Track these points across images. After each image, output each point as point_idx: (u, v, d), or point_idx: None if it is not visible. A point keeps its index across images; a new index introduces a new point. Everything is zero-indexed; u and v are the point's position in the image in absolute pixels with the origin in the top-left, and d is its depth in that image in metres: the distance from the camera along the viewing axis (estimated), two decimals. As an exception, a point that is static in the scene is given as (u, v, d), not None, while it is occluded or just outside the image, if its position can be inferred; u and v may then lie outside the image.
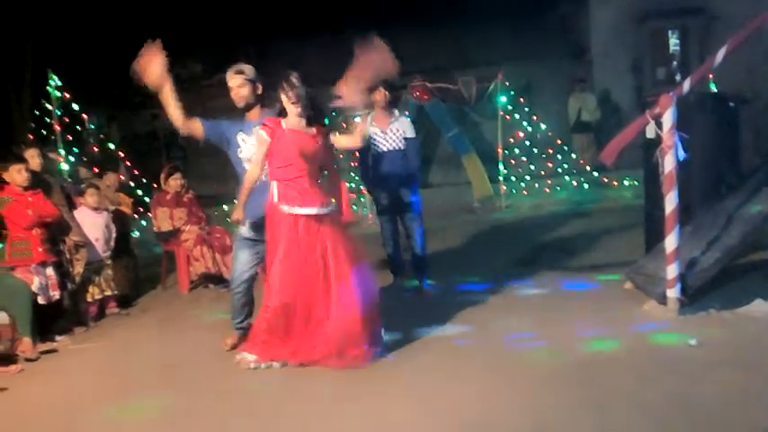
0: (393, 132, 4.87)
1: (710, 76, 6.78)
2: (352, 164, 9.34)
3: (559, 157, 10.45)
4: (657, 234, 4.25)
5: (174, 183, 5.95)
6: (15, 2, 9.96)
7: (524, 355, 3.53)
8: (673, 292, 3.89)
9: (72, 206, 5.15)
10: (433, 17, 11.87)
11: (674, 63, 11.17)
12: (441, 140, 10.37)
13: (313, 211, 3.56)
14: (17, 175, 4.46)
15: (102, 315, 5.20)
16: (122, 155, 9.15)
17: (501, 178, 9.42)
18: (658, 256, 4.12)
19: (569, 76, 11.05)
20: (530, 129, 10.26)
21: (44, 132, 8.14)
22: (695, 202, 4.52)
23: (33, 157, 4.84)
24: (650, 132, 4.06)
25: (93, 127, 10.49)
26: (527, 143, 10.33)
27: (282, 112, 3.62)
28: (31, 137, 8.83)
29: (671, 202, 3.87)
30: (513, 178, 9.97)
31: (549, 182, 9.97)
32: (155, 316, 5.24)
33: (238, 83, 3.83)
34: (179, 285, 5.95)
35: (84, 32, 10.85)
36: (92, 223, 5.14)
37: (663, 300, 3.95)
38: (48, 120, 7.69)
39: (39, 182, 4.71)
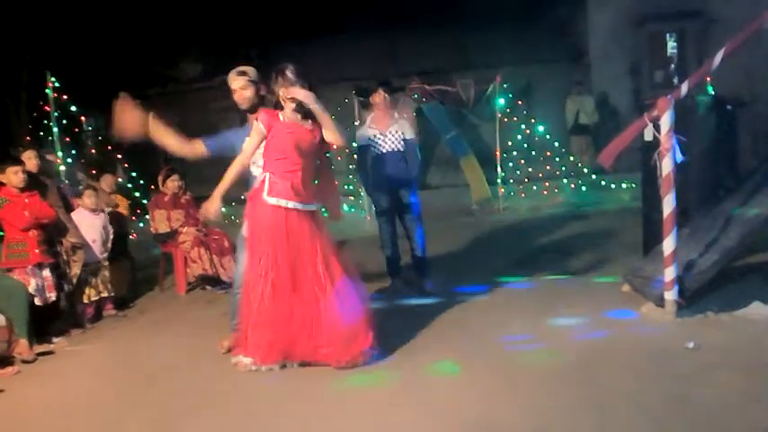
0: (392, 134, 4.88)
1: (708, 78, 6.79)
2: (350, 166, 9.40)
3: (557, 159, 10.48)
4: (655, 236, 4.25)
5: (172, 184, 5.94)
6: (13, 3, 9.95)
7: (523, 357, 3.53)
8: (670, 295, 3.89)
9: (69, 208, 5.14)
10: (433, 19, 11.90)
11: (672, 66, 11.22)
12: (439, 142, 10.39)
13: (299, 206, 3.53)
14: (14, 176, 4.45)
15: (98, 317, 5.19)
16: (120, 156, 9.15)
17: (499, 180, 9.43)
18: (656, 258, 4.13)
19: (567, 78, 11.08)
20: (528, 131, 10.29)
21: (41, 134, 8.14)
22: (693, 205, 4.53)
23: (30, 159, 4.84)
24: (648, 135, 4.06)
25: (90, 129, 10.49)
26: (525, 145, 10.36)
27: (278, 106, 3.61)
28: (29, 138, 8.83)
29: (669, 204, 3.88)
30: (512, 180, 9.99)
31: (548, 184, 10.00)
32: (152, 317, 5.22)
33: (241, 84, 3.82)
34: (176, 287, 5.94)
35: (83, 34, 10.85)
36: (89, 225, 5.14)
37: (660, 302, 3.95)
38: (45, 121, 7.68)
39: (36, 183, 4.71)
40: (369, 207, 8.61)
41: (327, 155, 4.06)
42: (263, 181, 3.54)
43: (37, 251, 4.46)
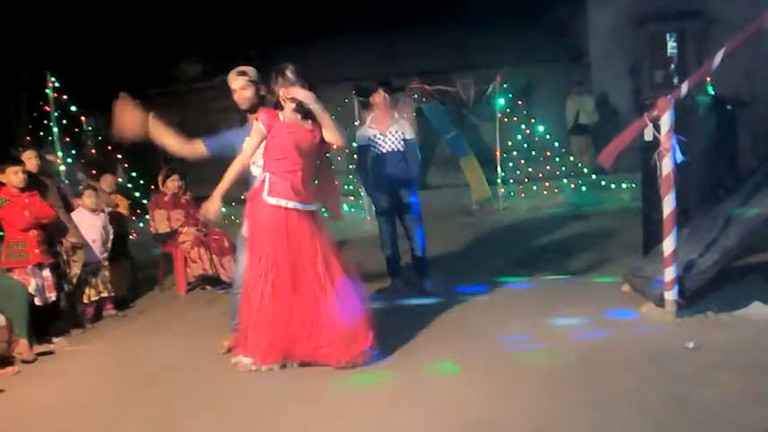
0: (392, 134, 4.88)
1: (708, 79, 6.80)
2: (351, 166, 9.40)
3: (557, 159, 10.49)
4: (655, 236, 4.25)
5: (172, 184, 5.95)
6: (13, 3, 9.95)
7: (523, 357, 3.53)
8: (670, 295, 3.89)
9: (69, 208, 5.14)
10: (433, 19, 11.90)
11: (672, 66, 11.22)
12: (439, 142, 10.39)
13: (299, 206, 3.53)
14: (13, 176, 4.45)
15: (98, 317, 5.19)
16: (120, 156, 9.15)
17: (499, 180, 9.43)
18: (656, 258, 4.13)
19: (567, 78, 11.08)
20: (528, 131, 10.29)
21: (41, 134, 8.14)
22: (693, 205, 4.53)
23: (30, 159, 4.84)
24: (648, 135, 4.06)
25: (90, 129, 10.49)
26: (525, 145, 10.36)
27: (278, 106, 3.61)
28: (29, 138, 8.83)
29: (669, 204, 3.88)
30: (512, 180, 9.98)
31: (547, 184, 10.00)
32: (152, 317, 5.22)
33: (241, 84, 3.81)
34: (176, 287, 5.94)
35: (83, 33, 10.85)
36: (89, 225, 5.14)
37: (660, 302, 3.95)
38: (45, 121, 7.68)
39: (36, 183, 4.71)
40: (369, 207, 8.61)
41: (327, 155, 4.05)
42: (263, 181, 3.54)
43: (37, 251, 4.46)
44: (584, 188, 9.83)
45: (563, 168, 10.37)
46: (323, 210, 3.91)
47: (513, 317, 4.21)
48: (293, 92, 3.52)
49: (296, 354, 3.55)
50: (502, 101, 9.36)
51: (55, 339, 4.58)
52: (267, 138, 3.56)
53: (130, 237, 6.68)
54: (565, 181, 10.07)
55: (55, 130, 7.36)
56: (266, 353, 3.54)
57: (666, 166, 3.85)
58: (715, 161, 4.71)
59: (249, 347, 3.58)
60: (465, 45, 11.91)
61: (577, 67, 11.58)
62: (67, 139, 7.93)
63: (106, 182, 6.17)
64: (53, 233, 4.69)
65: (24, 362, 4.15)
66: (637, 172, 5.32)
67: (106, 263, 5.26)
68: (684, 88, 3.94)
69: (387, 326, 3.86)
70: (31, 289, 4.36)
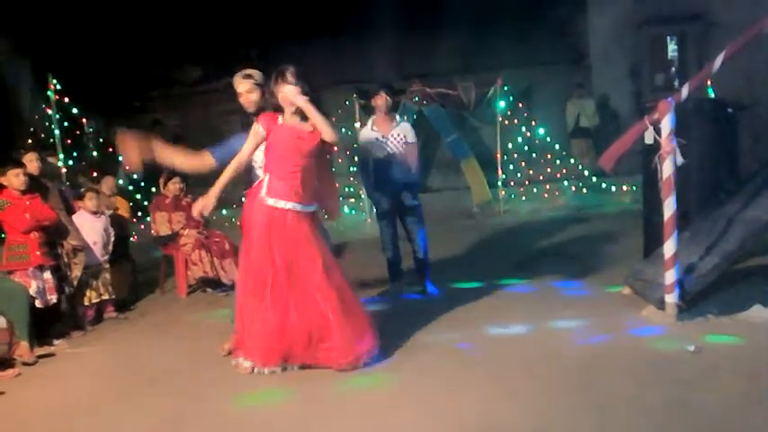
0: (394, 137, 4.88)
1: (709, 82, 6.80)
2: (351, 168, 9.40)
3: (558, 162, 10.48)
4: (656, 239, 4.25)
5: (173, 187, 5.95)
6: (14, 5, 9.97)
7: (524, 359, 3.53)
8: (671, 298, 3.89)
9: (70, 210, 5.15)
10: (433, 22, 11.89)
11: (673, 69, 11.22)
12: (440, 145, 10.39)
13: (298, 207, 3.53)
14: (15, 179, 4.45)
15: (99, 319, 5.19)
16: (121, 159, 9.14)
17: (500, 183, 9.43)
18: (657, 261, 4.12)
19: (568, 81, 11.08)
20: (528, 134, 10.29)
21: (42, 136, 8.15)
22: (694, 208, 4.53)
23: (31, 161, 4.85)
24: (649, 138, 4.07)
25: (91, 131, 10.49)
26: (526, 148, 10.35)
27: (279, 108, 3.62)
28: (30, 141, 8.83)
29: (669, 207, 3.88)
30: (512, 183, 9.98)
31: (548, 187, 9.99)
32: (153, 320, 5.22)
33: (247, 87, 3.82)
34: (177, 289, 5.94)
35: (84, 36, 10.86)
36: (90, 227, 5.14)
37: (661, 305, 3.95)
38: (46, 123, 7.69)
39: (37, 186, 4.71)
40: (369, 209, 8.61)
41: (329, 156, 4.06)
42: (263, 181, 3.56)
43: (38, 253, 4.47)
44: (584, 191, 9.83)
45: (564, 171, 10.37)
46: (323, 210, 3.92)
47: (514, 319, 4.21)
48: (280, 88, 3.53)
49: (296, 356, 3.55)
50: (502, 103, 9.37)
51: (56, 341, 4.58)
52: (267, 140, 3.57)
53: (131, 239, 6.68)
54: (565, 184, 10.07)
55: (56, 132, 7.37)
56: (266, 356, 3.54)
57: (667, 169, 3.85)
58: (715, 164, 4.71)
59: (249, 350, 3.59)
60: (466, 48, 11.90)
61: (578, 70, 11.57)
62: (69, 141, 7.93)
63: (107, 184, 6.17)
64: (54, 235, 4.70)
65: (25, 364, 4.15)
66: (637, 175, 5.32)
67: (107, 265, 5.26)
68: (685, 91, 3.94)
69: (387, 327, 3.86)
70: (32, 291, 4.36)
